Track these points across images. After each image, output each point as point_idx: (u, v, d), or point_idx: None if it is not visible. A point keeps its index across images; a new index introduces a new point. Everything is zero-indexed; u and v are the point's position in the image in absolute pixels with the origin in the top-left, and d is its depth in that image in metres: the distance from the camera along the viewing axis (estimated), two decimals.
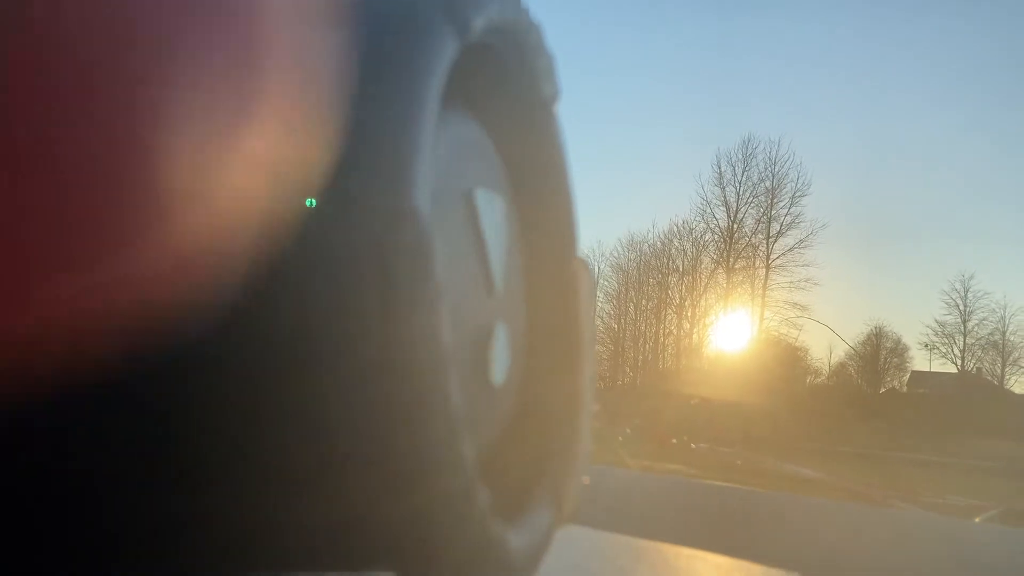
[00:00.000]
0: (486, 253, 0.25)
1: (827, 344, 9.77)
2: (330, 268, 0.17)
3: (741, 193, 7.67)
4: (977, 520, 1.19)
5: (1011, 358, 8.41)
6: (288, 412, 0.17)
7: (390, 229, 0.17)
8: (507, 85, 0.27)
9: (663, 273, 7.51)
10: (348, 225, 0.17)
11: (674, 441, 3.33)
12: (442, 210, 0.20)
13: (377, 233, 0.17)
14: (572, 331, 0.29)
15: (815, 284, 7.79)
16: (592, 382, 0.30)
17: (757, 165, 7.77)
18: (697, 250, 7.66)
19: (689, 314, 7.43)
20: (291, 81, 0.17)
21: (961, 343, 7.94)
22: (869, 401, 6.17)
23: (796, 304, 7.50)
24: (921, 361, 8.44)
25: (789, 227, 7.75)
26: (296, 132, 0.16)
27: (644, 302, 7.63)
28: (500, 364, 0.25)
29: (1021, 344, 9.04)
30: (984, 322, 8.10)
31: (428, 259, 0.18)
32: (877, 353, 7.73)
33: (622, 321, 7.56)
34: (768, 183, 7.58)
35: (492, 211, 0.26)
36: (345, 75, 0.17)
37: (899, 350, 7.99)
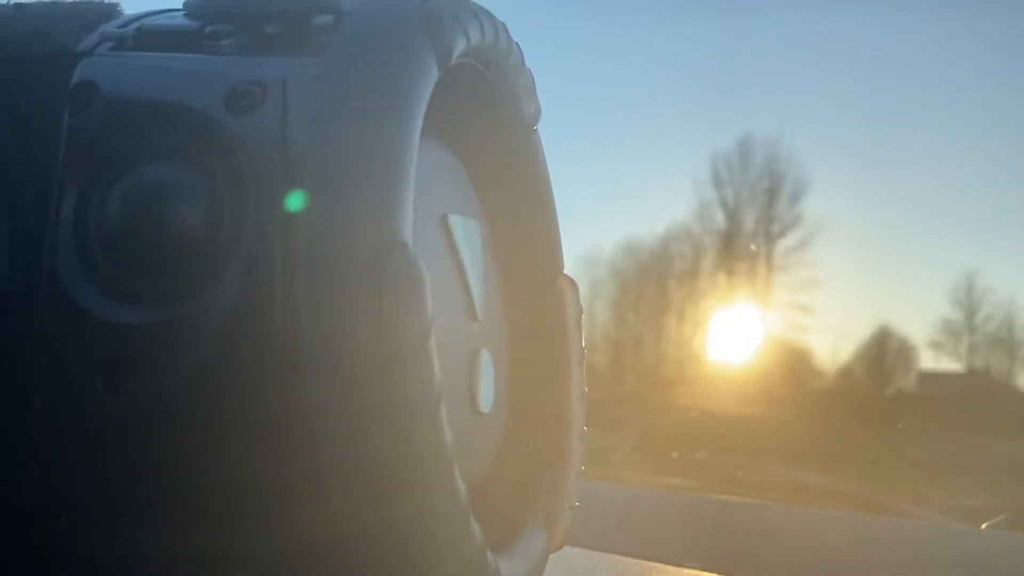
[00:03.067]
0: (466, 278, 0.25)
1: (832, 345, 9.77)
2: (318, 304, 0.17)
3: (739, 193, 7.66)
4: (984, 526, 1.18)
5: (1018, 354, 8.41)
6: (277, 458, 0.17)
7: (381, 262, 0.17)
8: (484, 107, 0.27)
9: (662, 277, 7.50)
10: (336, 257, 0.17)
11: (675, 455, 3.32)
12: (420, 237, 0.20)
13: (368, 266, 0.17)
14: (559, 350, 0.30)
15: (818, 285, 7.77)
16: (582, 402, 0.30)
17: (755, 165, 7.76)
18: (696, 253, 7.66)
19: (690, 319, 7.41)
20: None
21: (967, 340, 7.93)
22: (876, 402, 6.14)
23: (799, 305, 7.49)
24: (928, 360, 8.44)
25: (790, 227, 7.73)
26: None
27: (643, 308, 7.61)
28: (487, 392, 0.26)
29: None
30: (990, 318, 8.10)
31: (421, 291, 0.18)
32: (883, 353, 7.70)
33: (622, 328, 7.54)
34: (767, 183, 7.58)
35: (469, 235, 0.26)
36: (327, 100, 0.18)
37: (905, 350, 7.96)
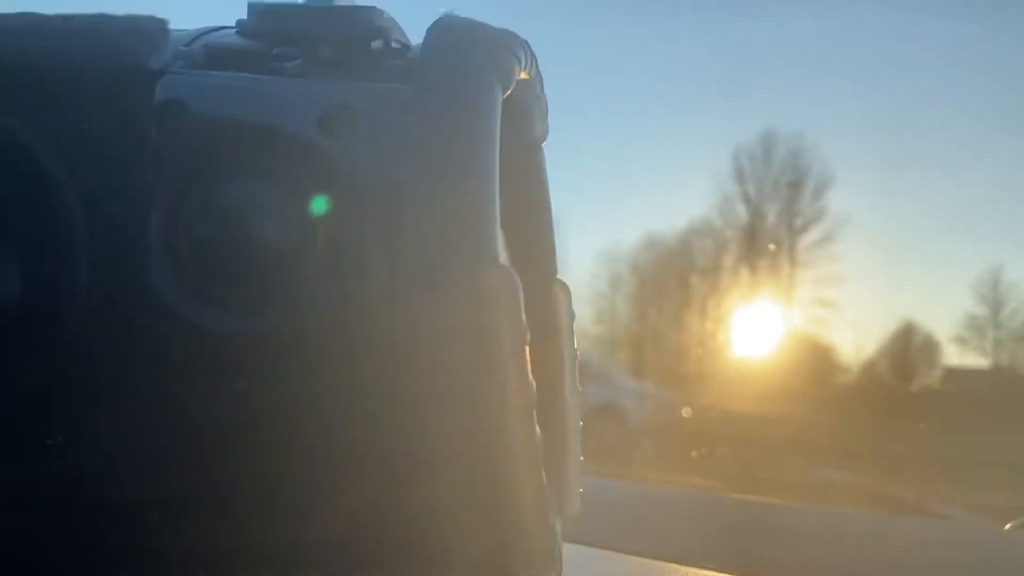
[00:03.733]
0: None
1: (855, 341, 9.67)
2: (426, 316, 0.18)
3: (762, 187, 7.58)
4: (1008, 527, 1.17)
5: None
6: (379, 458, 0.19)
7: (483, 277, 0.19)
8: (506, 128, 0.29)
9: (683, 273, 7.44)
10: (441, 273, 0.18)
11: (694, 454, 3.30)
12: None
13: (472, 281, 0.18)
14: (555, 350, 0.31)
15: (842, 280, 7.69)
16: (576, 398, 0.31)
17: (778, 158, 7.68)
18: (718, 248, 7.60)
19: (711, 314, 7.36)
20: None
21: (992, 336, 7.83)
22: (900, 399, 6.08)
23: (822, 301, 7.41)
24: (953, 356, 8.33)
25: (813, 222, 7.64)
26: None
27: (664, 303, 7.56)
28: None
29: None
30: (1015, 314, 7.98)
31: (518, 302, 0.19)
32: (907, 349, 7.60)
33: (642, 324, 7.50)
34: (790, 176, 7.49)
35: None
36: (421, 128, 0.20)
37: (930, 345, 7.86)
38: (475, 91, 0.21)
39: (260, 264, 0.20)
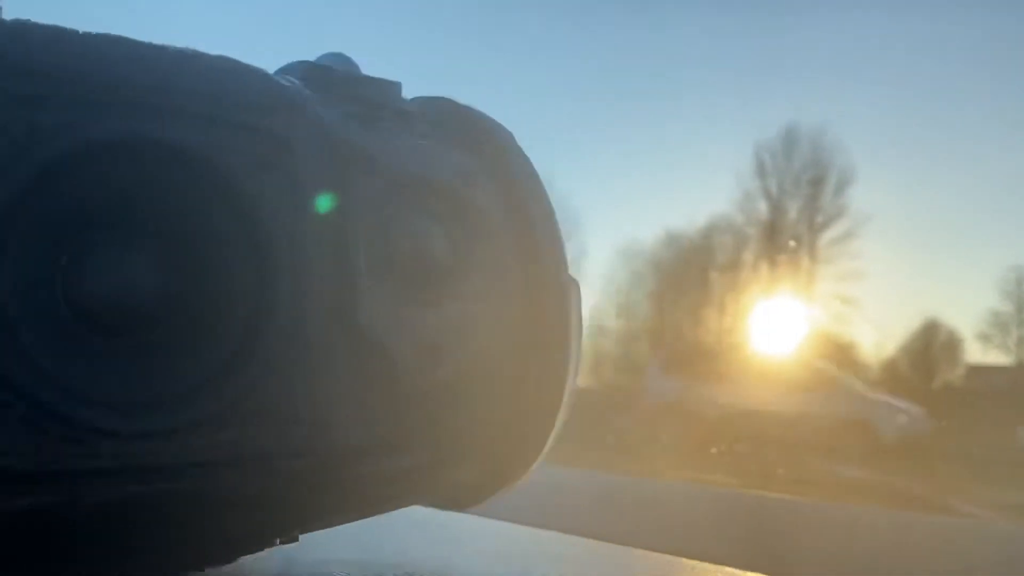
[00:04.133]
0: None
1: (876, 338, 9.59)
2: (547, 310, 0.31)
3: (783, 183, 7.52)
4: None
5: None
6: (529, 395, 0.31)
7: (573, 288, 0.31)
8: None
9: (703, 269, 7.40)
10: (549, 281, 0.31)
11: (714, 450, 3.29)
12: None
13: (569, 290, 0.31)
14: (561, 339, 0.35)
15: (863, 276, 7.61)
16: (574, 379, 0.35)
17: (800, 154, 7.62)
18: (738, 244, 7.55)
19: (731, 311, 7.32)
20: None
21: (1016, 333, 7.73)
22: (922, 397, 6.03)
23: (843, 297, 7.35)
24: (976, 353, 8.24)
25: (834, 218, 7.58)
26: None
27: (684, 299, 7.53)
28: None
29: None
30: None
31: (580, 298, 0.32)
32: (929, 346, 7.54)
33: (662, 320, 7.48)
34: (811, 173, 7.42)
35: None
36: (519, 183, 0.32)
37: (952, 342, 7.78)
38: (527, 158, 0.33)
39: (447, 270, 0.30)
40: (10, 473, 0.21)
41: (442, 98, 0.35)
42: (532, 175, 0.37)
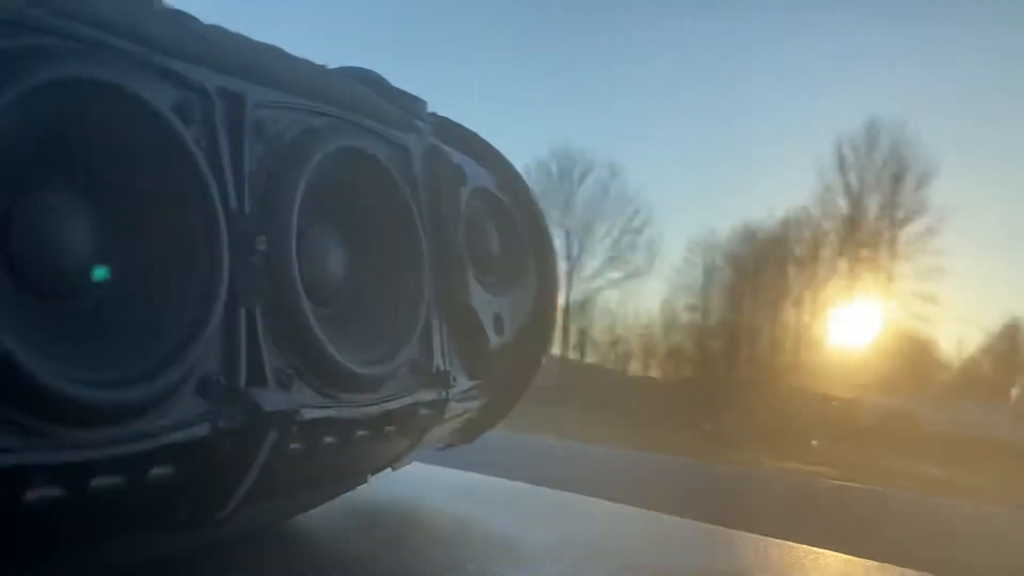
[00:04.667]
0: None
1: (957, 337, 9.31)
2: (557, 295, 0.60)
3: (864, 178, 7.36)
4: None
5: None
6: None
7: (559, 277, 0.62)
8: None
9: (781, 264, 7.31)
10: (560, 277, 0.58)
11: (815, 443, 3.29)
12: None
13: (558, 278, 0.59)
14: (553, 317, 0.62)
15: (945, 274, 7.40)
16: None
17: (881, 149, 7.44)
18: (817, 239, 7.43)
19: (808, 306, 7.22)
20: None
21: None
22: (1003, 398, 5.88)
23: (924, 295, 7.18)
24: None
25: (916, 214, 7.38)
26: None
27: (761, 294, 7.45)
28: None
29: None
30: None
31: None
32: (1013, 347, 7.30)
33: (737, 314, 7.42)
34: (893, 167, 7.25)
35: None
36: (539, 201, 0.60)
37: None
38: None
39: (498, 260, 0.53)
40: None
41: (445, 118, 0.53)
42: (530, 189, 0.59)
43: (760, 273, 7.38)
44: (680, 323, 7.61)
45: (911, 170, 7.36)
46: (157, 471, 0.31)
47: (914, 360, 6.24)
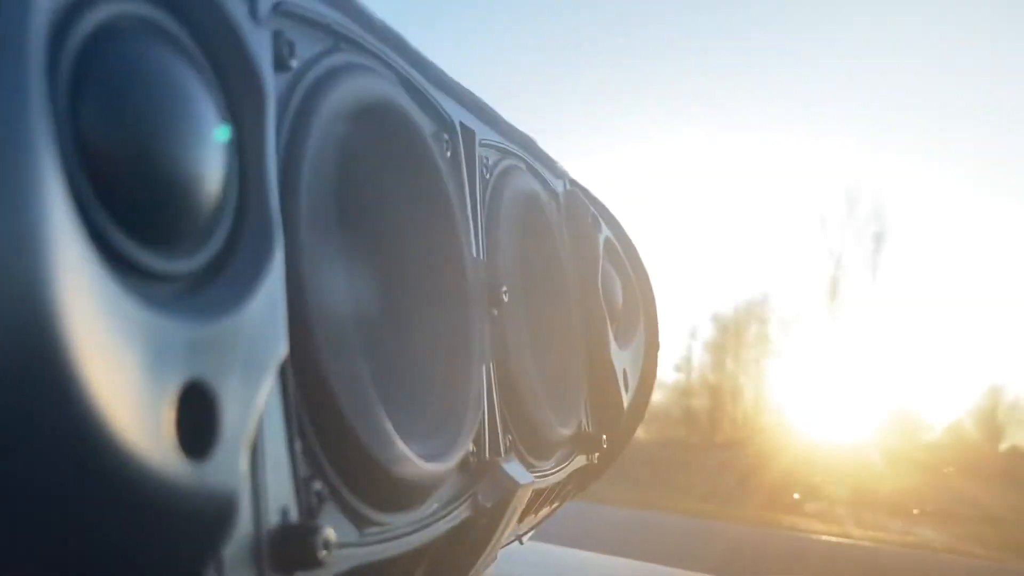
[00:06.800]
0: None
1: (939, 399, 9.34)
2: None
3: (844, 239, 7.46)
4: None
5: None
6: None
7: None
8: None
9: (763, 323, 7.34)
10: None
11: (796, 496, 3.28)
12: None
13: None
14: (655, 369, 0.58)
15: (926, 336, 7.41)
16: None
17: (862, 210, 7.53)
18: (799, 300, 7.45)
19: (790, 365, 7.21)
20: None
21: None
22: (988, 460, 5.89)
23: (906, 357, 7.20)
24: None
25: (895, 275, 7.44)
26: None
27: (744, 352, 7.46)
28: None
29: None
30: None
31: None
32: (996, 408, 7.33)
33: (719, 374, 7.42)
34: (873, 228, 7.36)
35: None
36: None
37: (1020, 405, 7.55)
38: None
39: (622, 315, 0.51)
40: None
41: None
42: (636, 247, 0.57)
43: (743, 334, 7.39)
44: (665, 384, 7.59)
45: (891, 231, 7.48)
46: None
47: (897, 422, 6.24)
